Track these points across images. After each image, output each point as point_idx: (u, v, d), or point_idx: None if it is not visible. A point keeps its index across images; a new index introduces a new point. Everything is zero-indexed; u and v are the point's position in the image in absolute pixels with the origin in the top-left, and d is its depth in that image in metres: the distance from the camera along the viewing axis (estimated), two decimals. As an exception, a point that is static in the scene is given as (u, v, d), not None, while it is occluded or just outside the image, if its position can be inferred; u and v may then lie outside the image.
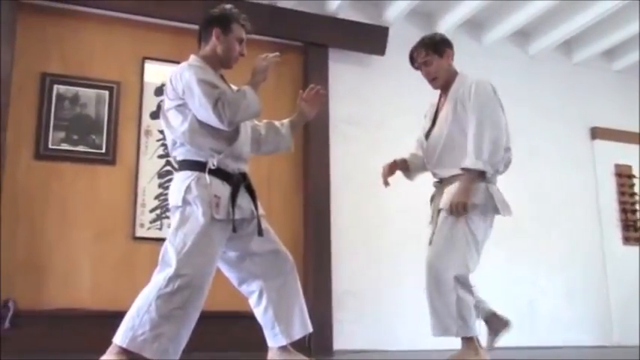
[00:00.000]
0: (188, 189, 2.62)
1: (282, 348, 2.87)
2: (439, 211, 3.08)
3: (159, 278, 2.54)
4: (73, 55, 4.51)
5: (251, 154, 2.95)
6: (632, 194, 6.11)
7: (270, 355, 2.92)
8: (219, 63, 2.84)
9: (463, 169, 3.00)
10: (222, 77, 2.86)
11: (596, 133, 6.11)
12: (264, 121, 3.09)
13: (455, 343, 3.05)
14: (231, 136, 2.74)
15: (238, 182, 2.74)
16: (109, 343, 2.53)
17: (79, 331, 3.94)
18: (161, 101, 3.21)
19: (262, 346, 2.96)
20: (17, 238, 4.10)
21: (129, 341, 2.46)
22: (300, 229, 4.83)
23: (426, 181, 3.45)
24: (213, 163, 2.67)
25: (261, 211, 2.86)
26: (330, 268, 4.73)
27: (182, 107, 2.67)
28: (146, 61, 4.68)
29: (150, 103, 4.63)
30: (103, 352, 2.54)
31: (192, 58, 2.81)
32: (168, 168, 4.53)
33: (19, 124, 4.26)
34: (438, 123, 3.23)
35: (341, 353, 4.43)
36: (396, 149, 4.95)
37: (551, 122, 5.87)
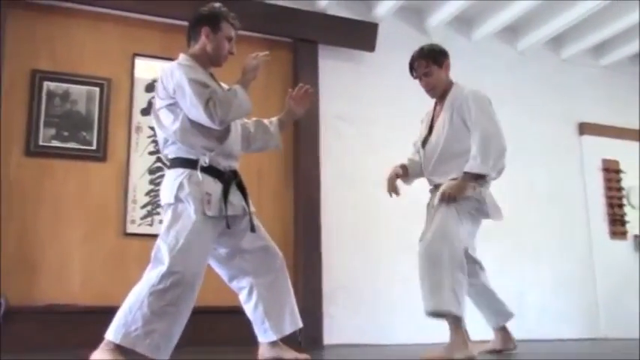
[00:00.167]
0: (180, 186, 2.64)
1: (273, 343, 2.91)
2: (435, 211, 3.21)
3: (151, 275, 2.56)
4: (64, 52, 4.50)
5: (241, 152, 2.98)
6: (619, 189, 6.17)
7: (261, 350, 2.96)
8: (208, 61, 2.86)
9: (467, 172, 3.12)
10: (212, 76, 2.88)
11: (584, 128, 6.16)
12: (253, 119, 3.12)
13: (445, 337, 3.10)
14: (222, 135, 2.76)
15: (230, 180, 2.77)
16: (100, 338, 2.55)
17: (70, 327, 3.96)
18: (152, 98, 3.22)
19: (253, 341, 3.00)
20: (8, 234, 4.10)
21: (121, 337, 2.48)
22: (290, 225, 4.86)
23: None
24: (204, 161, 2.69)
25: (251, 207, 2.89)
26: (321, 264, 4.76)
27: (173, 106, 2.69)
28: (136, 57, 4.67)
29: (140, 99, 4.63)
30: (95, 347, 2.56)
31: (182, 57, 2.83)
32: (159, 164, 4.55)
33: (10, 121, 4.25)
34: (435, 131, 3.35)
35: (331, 348, 4.47)
36: (385, 145, 5.05)
37: (539, 117, 5.91)
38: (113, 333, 2.51)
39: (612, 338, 5.62)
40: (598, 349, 4.33)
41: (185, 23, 2.96)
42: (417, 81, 3.44)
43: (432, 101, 3.50)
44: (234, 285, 2.95)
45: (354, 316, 4.85)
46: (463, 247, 3.12)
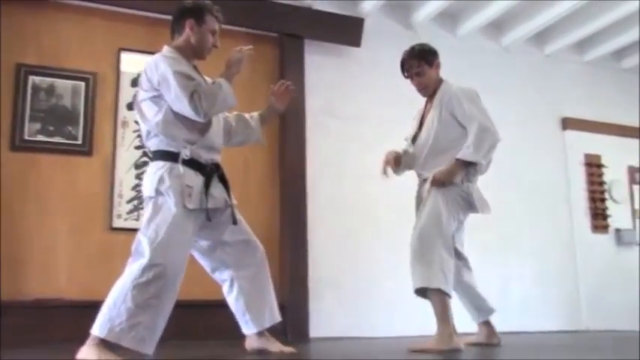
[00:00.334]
0: (161, 180, 2.66)
1: (260, 334, 2.96)
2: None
3: (133, 268, 2.57)
4: (49, 46, 4.48)
5: (222, 145, 3.01)
6: (601, 183, 6.25)
7: (248, 341, 3.00)
8: (192, 54, 2.87)
9: (458, 159, 3.20)
10: (195, 68, 2.89)
11: (567, 123, 6.23)
12: (235, 113, 3.14)
13: (431, 330, 3.15)
14: (203, 127, 2.78)
15: (211, 172, 2.79)
16: (87, 332, 2.56)
17: (57, 321, 3.95)
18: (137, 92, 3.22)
19: (240, 334, 3.03)
20: (-6, 229, 4.09)
21: (107, 332, 2.50)
22: (276, 218, 4.87)
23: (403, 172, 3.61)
24: (186, 154, 2.71)
25: (233, 200, 2.92)
26: (307, 257, 4.79)
27: (157, 98, 2.69)
28: (122, 52, 4.66)
29: (126, 94, 4.62)
30: (82, 341, 2.57)
31: (166, 49, 2.84)
32: (145, 159, 4.54)
33: (-6, 116, 4.23)
34: (425, 127, 3.43)
35: (318, 341, 4.50)
36: (371, 139, 5.08)
37: (523, 112, 5.96)
38: (99, 328, 2.52)
39: (594, 330, 5.71)
40: (580, 341, 4.40)
41: (171, 18, 2.97)
42: (402, 76, 3.49)
43: (418, 96, 3.55)
44: (216, 276, 2.99)
45: (341, 309, 4.88)
46: (451, 232, 3.21)
